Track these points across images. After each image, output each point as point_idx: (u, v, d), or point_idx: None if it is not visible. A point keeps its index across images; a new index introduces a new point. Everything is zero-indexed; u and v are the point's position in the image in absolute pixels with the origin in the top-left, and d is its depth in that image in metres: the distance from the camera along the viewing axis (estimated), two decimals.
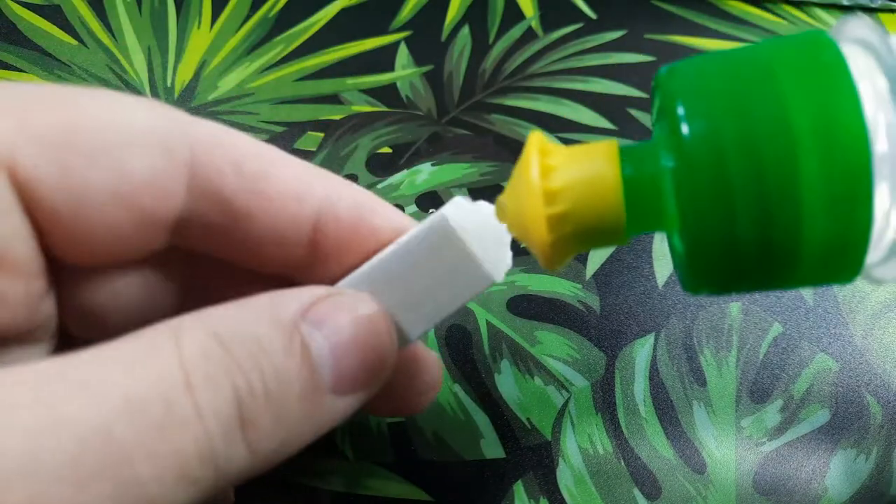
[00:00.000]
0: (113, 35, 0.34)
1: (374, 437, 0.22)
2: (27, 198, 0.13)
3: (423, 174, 0.29)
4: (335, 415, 0.13)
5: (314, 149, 0.30)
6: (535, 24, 0.34)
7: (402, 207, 0.27)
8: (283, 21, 0.34)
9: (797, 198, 0.11)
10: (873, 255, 0.12)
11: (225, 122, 0.30)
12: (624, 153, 0.13)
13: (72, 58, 0.33)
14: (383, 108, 0.31)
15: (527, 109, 0.31)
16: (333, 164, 0.29)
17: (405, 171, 0.29)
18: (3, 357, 0.13)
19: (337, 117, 0.31)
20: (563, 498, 0.21)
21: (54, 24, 0.34)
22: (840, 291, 0.25)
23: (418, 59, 0.33)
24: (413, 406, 0.18)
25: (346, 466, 0.22)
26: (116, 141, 0.13)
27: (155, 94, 0.32)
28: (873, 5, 0.35)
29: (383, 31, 0.34)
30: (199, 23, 0.34)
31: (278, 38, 0.34)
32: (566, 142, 0.30)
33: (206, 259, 0.16)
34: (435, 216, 0.15)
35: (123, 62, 0.33)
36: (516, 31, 0.34)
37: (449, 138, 0.30)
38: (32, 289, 0.13)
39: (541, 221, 0.13)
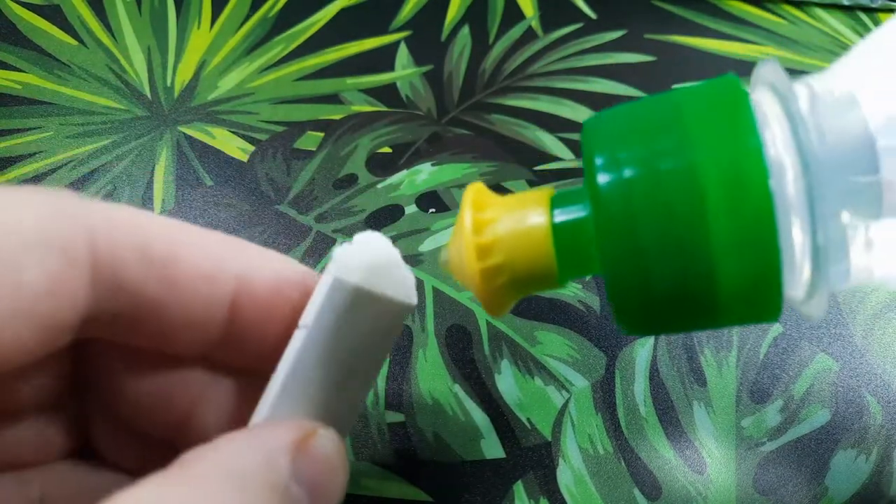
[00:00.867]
0: (113, 35, 0.34)
1: (374, 437, 0.22)
2: None
3: (423, 174, 0.29)
4: None
5: (314, 148, 0.30)
6: (535, 23, 0.34)
7: (402, 207, 0.27)
8: (283, 21, 0.35)
9: (707, 245, 0.11)
10: (797, 291, 0.13)
11: (225, 121, 0.30)
12: (555, 201, 0.14)
13: (72, 58, 0.33)
14: (383, 108, 0.31)
15: (527, 109, 0.31)
16: (333, 163, 0.29)
17: (405, 171, 0.29)
18: None
19: (337, 117, 0.31)
20: (563, 498, 0.21)
21: (54, 24, 0.34)
22: (840, 291, 0.25)
23: (418, 58, 0.33)
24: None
25: None
26: (7, 249, 0.12)
27: (155, 94, 0.32)
28: (873, 5, 0.35)
29: (383, 31, 0.34)
30: (199, 23, 0.34)
31: (278, 37, 0.34)
32: (566, 141, 0.30)
33: (116, 345, 0.15)
34: (329, 283, 0.14)
35: (123, 62, 0.33)
36: (516, 31, 0.34)
37: (449, 138, 0.30)
38: None
39: (475, 275, 0.14)
